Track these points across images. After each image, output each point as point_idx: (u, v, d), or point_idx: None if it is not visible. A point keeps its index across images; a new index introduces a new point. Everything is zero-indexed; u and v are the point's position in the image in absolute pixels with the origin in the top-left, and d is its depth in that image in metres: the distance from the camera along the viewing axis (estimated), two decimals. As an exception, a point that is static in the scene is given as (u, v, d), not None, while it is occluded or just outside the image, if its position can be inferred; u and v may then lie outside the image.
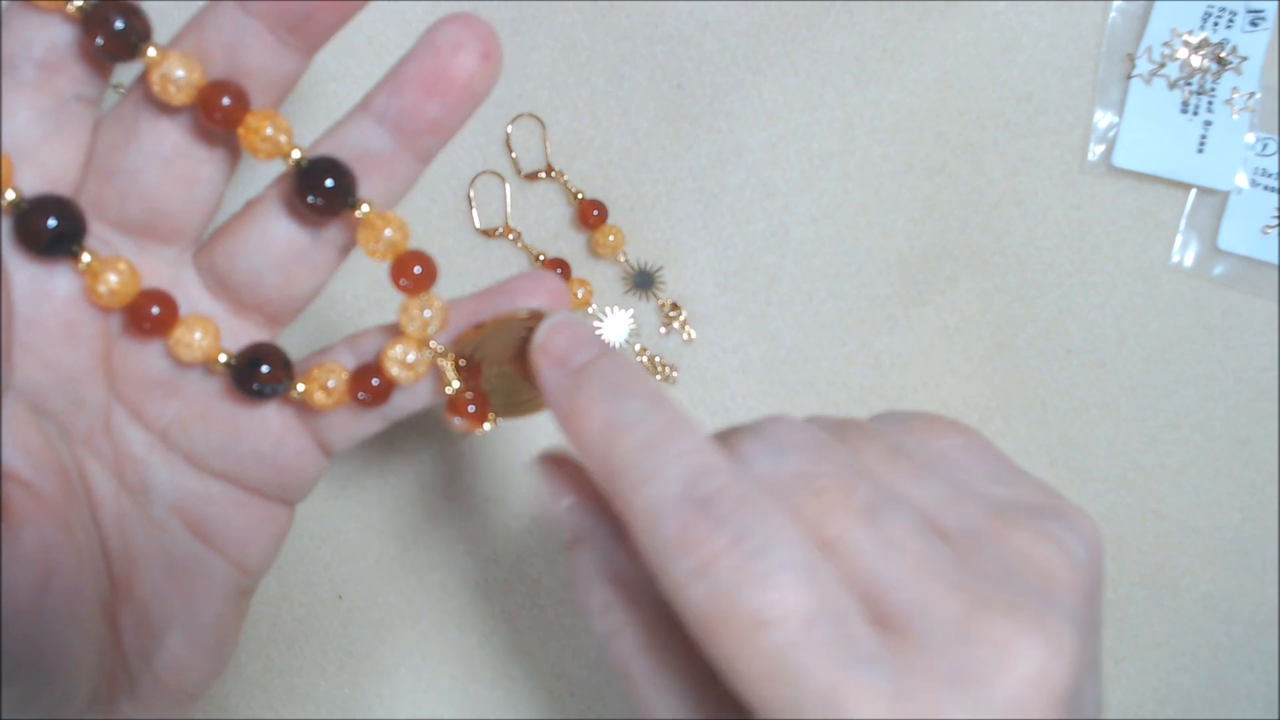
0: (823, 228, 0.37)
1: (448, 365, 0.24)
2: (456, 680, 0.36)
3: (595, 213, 0.36)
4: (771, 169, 0.37)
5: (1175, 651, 0.37)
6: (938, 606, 0.18)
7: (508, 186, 0.37)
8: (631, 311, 0.37)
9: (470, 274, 0.37)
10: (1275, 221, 0.36)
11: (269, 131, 0.20)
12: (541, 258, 0.36)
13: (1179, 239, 0.37)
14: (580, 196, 0.36)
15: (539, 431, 0.36)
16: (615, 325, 0.37)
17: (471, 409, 0.24)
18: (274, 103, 0.21)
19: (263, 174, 0.23)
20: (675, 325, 0.37)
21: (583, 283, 0.36)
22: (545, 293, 0.24)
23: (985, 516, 0.20)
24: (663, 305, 0.37)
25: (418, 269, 0.22)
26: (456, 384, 0.24)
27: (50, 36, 0.20)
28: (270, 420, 0.24)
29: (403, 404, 0.24)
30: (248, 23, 0.20)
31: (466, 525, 0.36)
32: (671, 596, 0.19)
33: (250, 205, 0.23)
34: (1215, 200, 0.37)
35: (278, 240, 0.22)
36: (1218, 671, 0.37)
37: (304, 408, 0.24)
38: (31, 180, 0.20)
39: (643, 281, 0.37)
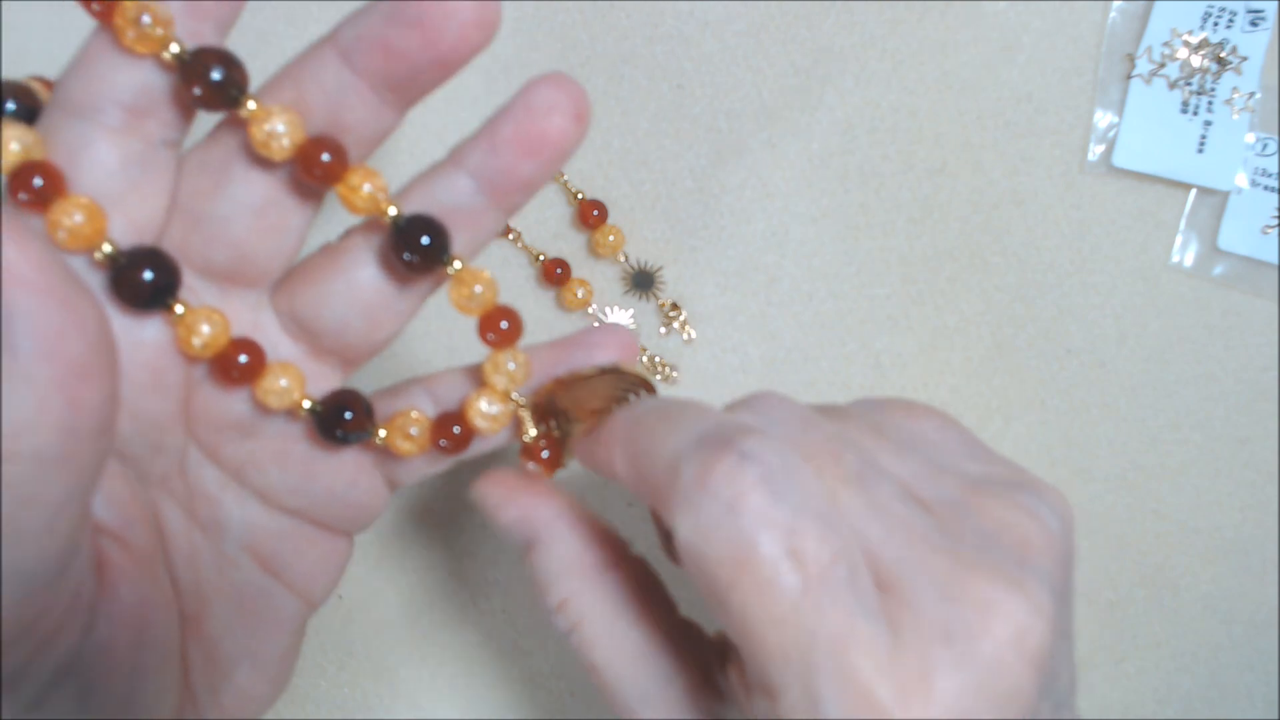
0: (823, 228, 0.37)
1: (527, 416, 0.25)
2: (456, 680, 0.36)
3: (595, 213, 0.36)
4: (771, 169, 0.37)
5: (1175, 651, 0.37)
6: (923, 567, 0.19)
7: (508, 186, 0.37)
8: (631, 311, 0.37)
9: (470, 274, 0.37)
10: (1275, 221, 0.36)
11: (367, 189, 0.21)
12: (541, 258, 0.36)
13: (1179, 239, 0.37)
14: (580, 196, 0.36)
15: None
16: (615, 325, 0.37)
17: (545, 454, 0.26)
18: (365, 155, 0.21)
19: (331, 209, 0.23)
20: (675, 325, 0.37)
21: (583, 283, 0.36)
22: (617, 347, 0.25)
23: (962, 489, 0.21)
24: (663, 305, 0.37)
25: (504, 324, 0.23)
26: (534, 432, 0.25)
27: (139, 80, 0.19)
28: (345, 461, 0.24)
29: (475, 446, 0.25)
30: (350, 79, 0.20)
31: (467, 525, 0.36)
32: (689, 552, 0.19)
33: (334, 252, 0.22)
34: (1215, 200, 0.37)
35: (365, 290, 0.22)
36: (1218, 671, 0.37)
37: (385, 453, 0.24)
38: (119, 229, 0.20)
39: (643, 281, 0.37)
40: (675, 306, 0.37)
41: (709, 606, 0.19)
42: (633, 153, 0.37)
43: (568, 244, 0.37)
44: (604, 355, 0.25)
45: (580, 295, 0.36)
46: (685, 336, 0.37)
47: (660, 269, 0.37)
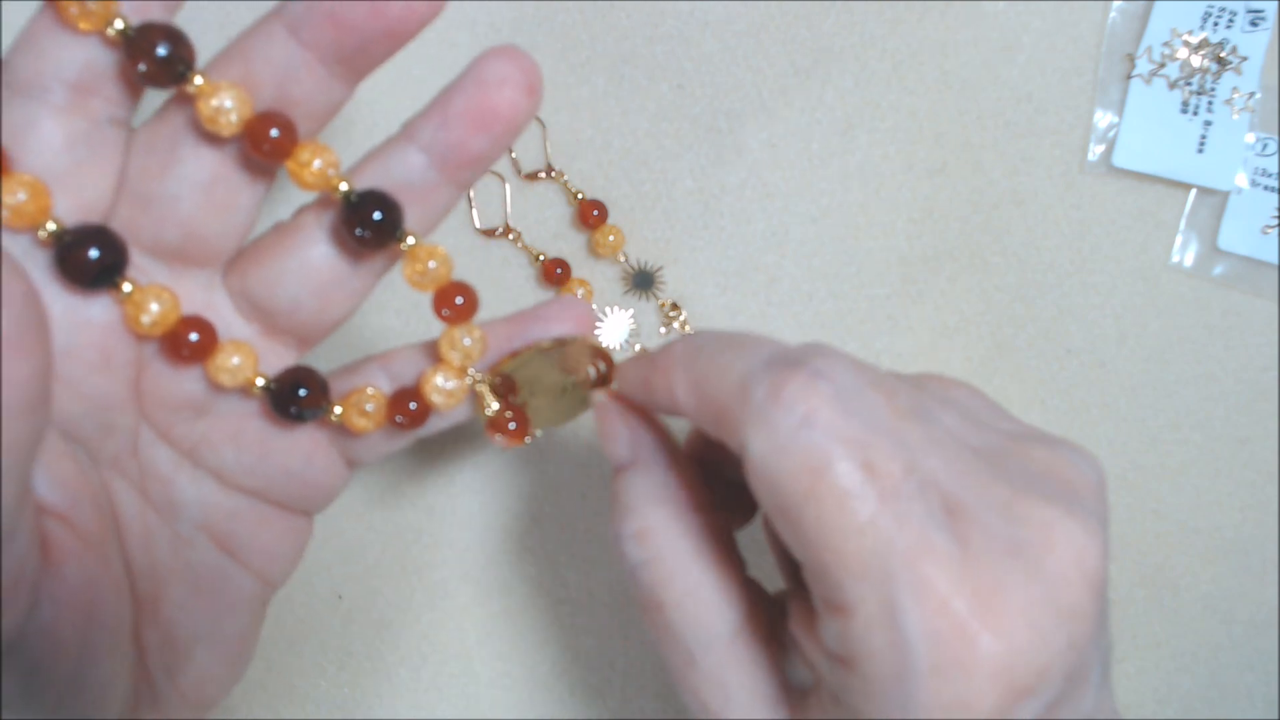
0: (823, 228, 0.37)
1: (486, 390, 0.24)
2: (456, 680, 0.36)
3: (595, 213, 0.36)
4: (771, 169, 0.37)
5: (1175, 651, 0.37)
6: (984, 490, 0.19)
7: (508, 186, 0.37)
8: (631, 311, 0.37)
9: (471, 274, 0.36)
10: (1275, 221, 0.36)
11: (317, 165, 0.20)
12: (541, 258, 0.36)
13: (1179, 239, 0.37)
14: (580, 196, 0.36)
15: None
16: (615, 325, 0.37)
17: (512, 426, 0.25)
18: (316, 130, 0.21)
19: (285, 190, 0.23)
20: (675, 325, 0.37)
21: (583, 283, 0.36)
22: (573, 319, 0.25)
23: (1004, 439, 0.21)
24: (663, 305, 0.37)
25: (459, 299, 0.23)
26: (495, 406, 0.24)
27: (84, 57, 0.19)
28: (300, 439, 0.24)
29: (434, 423, 0.25)
30: (299, 53, 0.20)
31: (467, 525, 0.36)
32: (762, 469, 0.19)
33: (286, 230, 0.22)
34: (1215, 200, 0.37)
35: (318, 268, 0.22)
36: (1218, 671, 0.37)
37: (341, 430, 0.24)
38: (66, 208, 0.20)
39: (643, 281, 0.37)
40: (675, 306, 0.37)
41: (780, 525, 0.19)
42: (633, 153, 0.37)
43: (568, 244, 0.37)
44: (560, 328, 0.25)
45: (580, 295, 0.36)
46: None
47: (660, 269, 0.37)
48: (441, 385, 0.23)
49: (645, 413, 0.25)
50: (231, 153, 0.21)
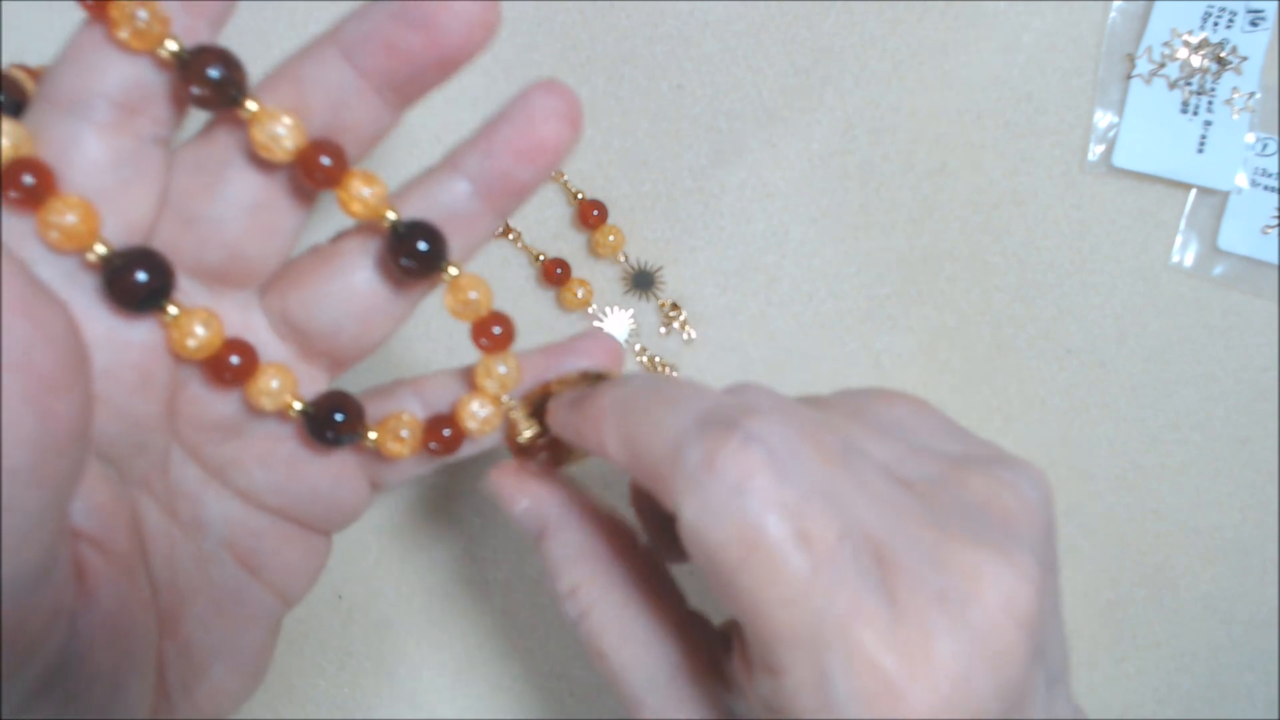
0: (823, 228, 0.37)
1: (520, 418, 0.25)
2: (456, 680, 0.36)
3: (595, 213, 0.36)
4: (771, 169, 0.37)
5: (1175, 651, 0.37)
6: (913, 541, 0.19)
7: (508, 186, 0.37)
8: (631, 311, 0.37)
9: (470, 274, 0.37)
10: (1275, 221, 0.36)
11: (366, 194, 0.20)
12: (541, 258, 0.36)
13: (1179, 239, 0.37)
14: (580, 196, 0.36)
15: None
16: (615, 325, 0.37)
17: (544, 455, 0.26)
18: (362, 155, 0.21)
19: (322, 211, 0.23)
20: (675, 325, 0.37)
21: (583, 283, 0.36)
22: (603, 353, 0.26)
23: (942, 467, 0.21)
24: (663, 305, 0.37)
25: (497, 329, 0.23)
26: (529, 434, 0.25)
27: (132, 75, 0.19)
28: (330, 462, 0.24)
29: (464, 450, 0.25)
30: (353, 79, 0.20)
31: (467, 525, 0.36)
32: (695, 535, 0.19)
33: (328, 255, 0.22)
34: (1215, 200, 0.37)
35: (359, 293, 0.22)
36: (1217, 671, 0.37)
37: (374, 455, 0.24)
38: (110, 228, 0.19)
39: (643, 281, 0.37)
40: (675, 306, 0.37)
41: (714, 588, 0.20)
42: (633, 153, 0.37)
43: (568, 244, 0.37)
44: (590, 361, 0.25)
45: (580, 295, 0.36)
46: (685, 336, 0.37)
47: (660, 269, 0.37)
48: (477, 412, 0.24)
49: (544, 473, 0.25)
50: (279, 177, 0.21)
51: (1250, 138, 0.36)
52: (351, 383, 0.24)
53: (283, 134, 0.19)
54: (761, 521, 0.18)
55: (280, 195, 0.21)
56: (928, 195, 0.37)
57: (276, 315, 0.22)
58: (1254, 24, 0.36)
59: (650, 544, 0.26)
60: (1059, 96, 0.37)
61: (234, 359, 0.21)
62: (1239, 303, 0.37)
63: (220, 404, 0.22)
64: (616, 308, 0.37)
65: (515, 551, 0.36)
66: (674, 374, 0.37)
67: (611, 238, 0.36)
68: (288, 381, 0.22)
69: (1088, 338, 0.37)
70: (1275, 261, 0.36)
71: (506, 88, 0.36)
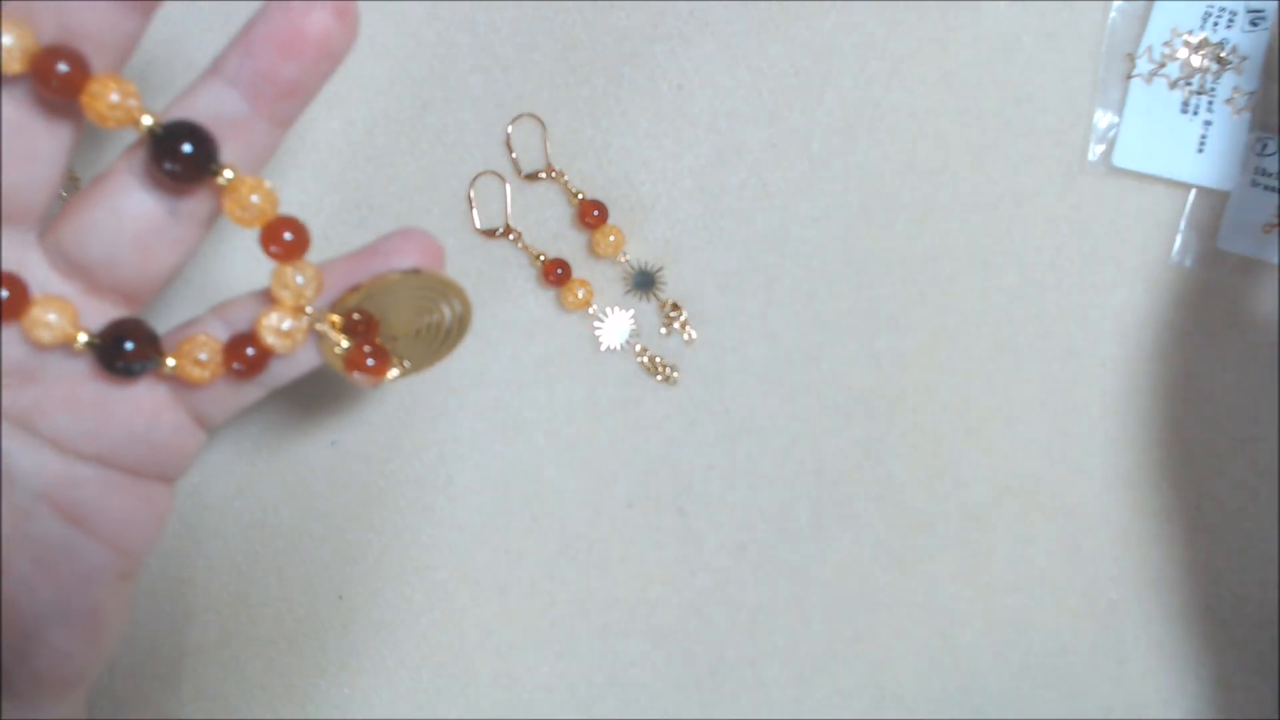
0: (823, 228, 0.37)
1: (329, 328, 0.23)
2: (456, 680, 0.36)
3: (595, 213, 0.36)
4: (771, 169, 0.37)
5: (1177, 652, 0.37)
6: None
7: (508, 186, 0.37)
8: (632, 311, 0.37)
9: (470, 274, 0.37)
10: (1275, 221, 0.36)
11: (115, 98, 0.19)
12: (542, 258, 0.36)
13: (1179, 239, 0.37)
14: (580, 196, 0.36)
15: (538, 434, 0.36)
16: (615, 326, 0.37)
17: (371, 362, 0.24)
18: (114, 67, 0.20)
19: (113, 148, 0.22)
20: (675, 325, 0.37)
21: (583, 283, 0.36)
22: (418, 250, 0.23)
23: None
24: (663, 305, 0.37)
25: (288, 235, 0.21)
26: (345, 344, 0.23)
27: None
28: (141, 399, 0.23)
29: (281, 371, 0.23)
30: None
31: (467, 525, 0.36)
32: None
33: (97, 180, 0.21)
34: (1215, 200, 0.37)
35: (131, 216, 0.21)
36: (1219, 673, 0.37)
37: (177, 383, 0.23)
38: None
39: (643, 281, 0.37)
40: (676, 306, 0.37)
41: None
42: (633, 153, 0.37)
43: (568, 244, 0.37)
44: (404, 260, 0.23)
45: (580, 295, 0.36)
46: (685, 337, 0.37)
47: (660, 269, 0.37)
48: (277, 325, 0.22)
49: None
50: (22, 96, 0.20)
51: (1250, 138, 0.36)
52: (162, 322, 0.23)
53: (10, 43, 0.18)
54: None
55: (30, 117, 0.20)
56: (928, 195, 0.37)
57: (53, 252, 0.21)
58: (1254, 24, 0.36)
59: None
60: (1059, 96, 0.37)
61: (2, 293, 0.20)
62: (1239, 303, 0.37)
63: (6, 346, 0.21)
64: (617, 308, 0.37)
65: (515, 552, 0.37)
66: (674, 374, 0.37)
67: (612, 238, 0.36)
68: (66, 313, 0.20)
69: (1088, 338, 0.37)
70: (1275, 261, 0.36)
71: (506, 88, 0.36)
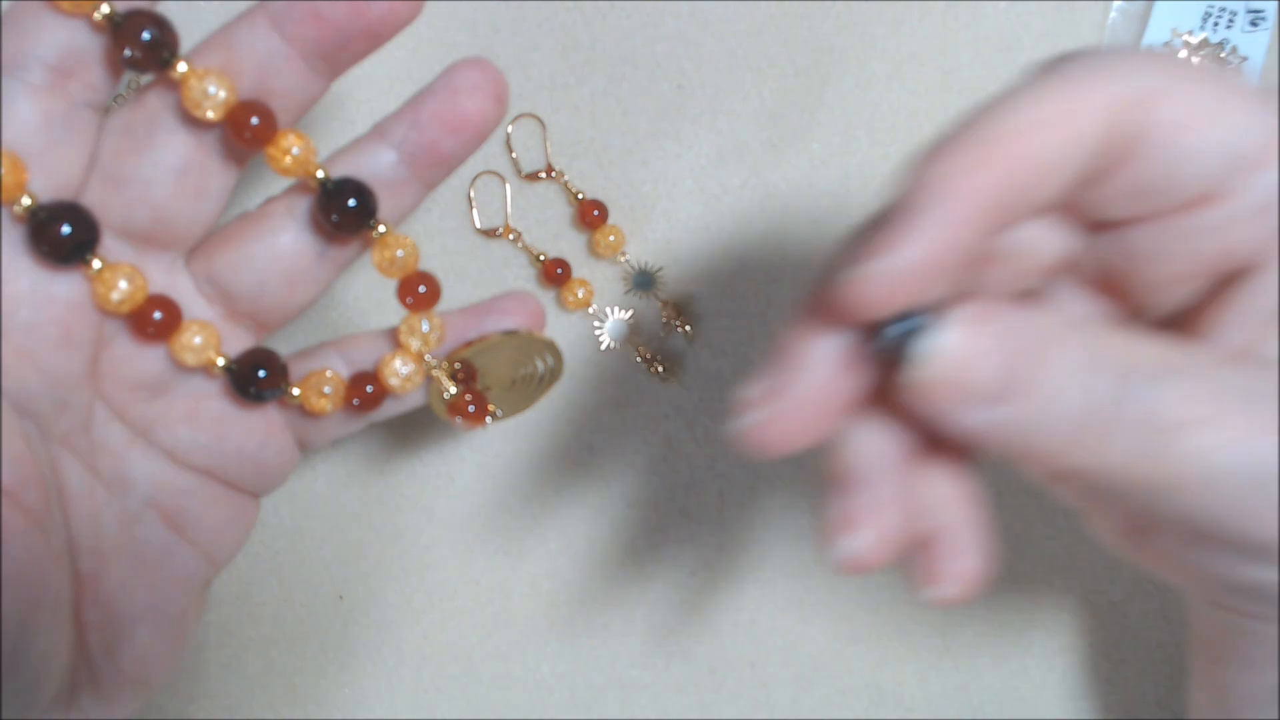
0: (823, 228, 0.37)
1: (443, 376, 0.25)
2: (456, 680, 0.36)
3: (595, 213, 0.36)
4: (772, 169, 0.37)
5: (1175, 654, 0.37)
6: None
7: (508, 186, 0.37)
8: (631, 311, 0.37)
9: (470, 274, 0.37)
10: (1275, 221, 0.36)
11: (296, 151, 0.21)
12: (542, 258, 0.36)
13: (1179, 239, 0.37)
14: (580, 196, 0.36)
15: (539, 434, 0.36)
16: (615, 325, 0.37)
17: (471, 409, 0.26)
18: (293, 121, 0.22)
19: (254, 182, 0.24)
20: (675, 325, 0.37)
21: (583, 283, 0.36)
22: (525, 313, 0.27)
23: None
24: (663, 305, 0.37)
25: (422, 288, 0.24)
26: (453, 390, 0.25)
27: (66, 39, 0.19)
28: (256, 420, 0.24)
29: (389, 408, 0.25)
30: (281, 46, 0.20)
31: (467, 525, 0.36)
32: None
33: (254, 218, 0.23)
34: (1215, 200, 0.37)
35: (285, 255, 0.23)
36: (1218, 672, 0.37)
37: (299, 411, 0.24)
38: (39, 188, 0.20)
39: (643, 281, 0.37)
40: (675, 306, 0.37)
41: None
42: (633, 153, 0.37)
43: (568, 244, 0.37)
44: (512, 321, 0.26)
45: (581, 295, 0.36)
46: (685, 336, 0.37)
47: (660, 269, 0.37)
48: (399, 369, 0.24)
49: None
50: (208, 139, 0.21)
51: (1250, 138, 0.36)
52: (280, 347, 0.24)
53: (213, 92, 0.20)
54: None
55: (209, 157, 0.21)
56: (928, 195, 0.37)
57: (202, 277, 0.23)
58: (1254, 24, 0.36)
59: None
60: (1059, 96, 0.37)
61: (157, 314, 0.21)
62: (1239, 303, 0.37)
63: (145, 361, 0.22)
64: (616, 308, 0.37)
65: (515, 553, 0.37)
66: (675, 374, 0.37)
67: (612, 238, 0.36)
68: (211, 337, 0.22)
69: (1088, 338, 0.37)
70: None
71: (509, 86, 0.36)
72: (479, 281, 0.37)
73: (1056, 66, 0.18)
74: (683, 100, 0.37)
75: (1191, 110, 0.17)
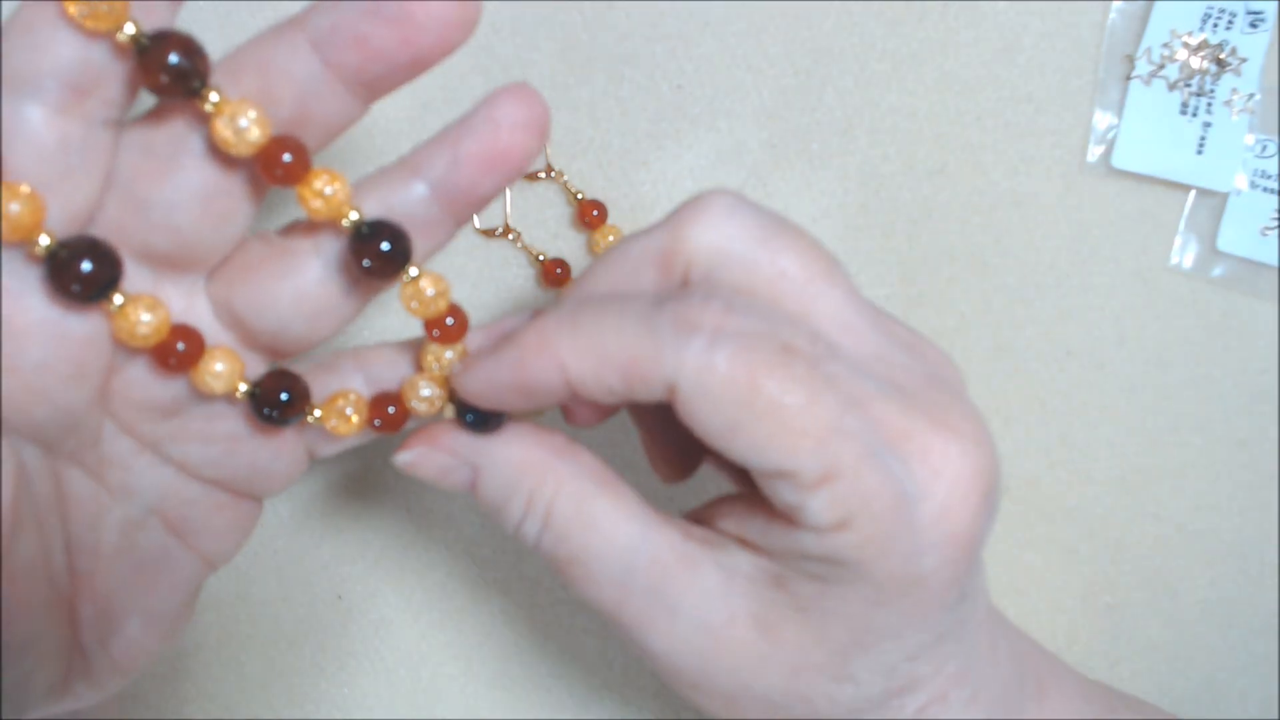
0: (823, 228, 0.37)
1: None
2: (456, 680, 0.36)
3: (595, 213, 0.36)
4: (771, 169, 0.37)
5: (1172, 654, 0.37)
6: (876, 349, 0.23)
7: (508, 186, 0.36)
8: (631, 312, 0.37)
9: (470, 274, 0.37)
10: (1275, 223, 0.36)
11: (329, 191, 0.20)
12: (541, 258, 0.36)
13: (1178, 240, 0.37)
14: (580, 196, 0.36)
15: (539, 432, 0.36)
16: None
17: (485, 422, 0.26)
18: (322, 146, 0.21)
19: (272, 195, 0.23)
20: (675, 326, 0.37)
21: (582, 283, 0.36)
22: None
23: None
24: (662, 306, 0.37)
25: (451, 321, 0.23)
26: (450, 413, 0.25)
27: (84, 56, 0.18)
28: (271, 437, 0.24)
29: (406, 426, 0.25)
30: (320, 71, 0.19)
31: (466, 525, 0.36)
32: (697, 391, 0.20)
33: (280, 252, 0.22)
34: (1214, 202, 0.37)
35: (309, 297, 0.22)
36: (1215, 675, 0.37)
37: (319, 433, 0.24)
38: (53, 213, 0.18)
39: (642, 282, 0.37)
40: (675, 307, 0.37)
41: (730, 442, 0.20)
42: (633, 153, 0.37)
43: (568, 244, 0.37)
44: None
45: (580, 296, 0.36)
46: (685, 337, 0.37)
47: (660, 269, 0.37)
48: (423, 392, 0.24)
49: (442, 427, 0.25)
50: (237, 167, 0.20)
51: (1249, 139, 0.36)
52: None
53: (245, 127, 0.18)
54: (751, 345, 0.19)
55: (236, 185, 0.20)
56: (928, 195, 0.37)
57: (221, 304, 0.22)
58: (1254, 25, 0.36)
59: (662, 469, 0.27)
60: (1059, 97, 0.37)
61: (180, 345, 0.20)
62: (1238, 304, 0.37)
63: (159, 388, 0.22)
64: (616, 308, 0.37)
65: (514, 552, 0.37)
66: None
67: (611, 238, 0.36)
68: (235, 366, 0.21)
69: (1087, 339, 0.37)
70: (1275, 263, 0.36)
71: (506, 88, 0.36)
72: (479, 281, 0.36)
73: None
74: (682, 100, 0.37)
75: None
